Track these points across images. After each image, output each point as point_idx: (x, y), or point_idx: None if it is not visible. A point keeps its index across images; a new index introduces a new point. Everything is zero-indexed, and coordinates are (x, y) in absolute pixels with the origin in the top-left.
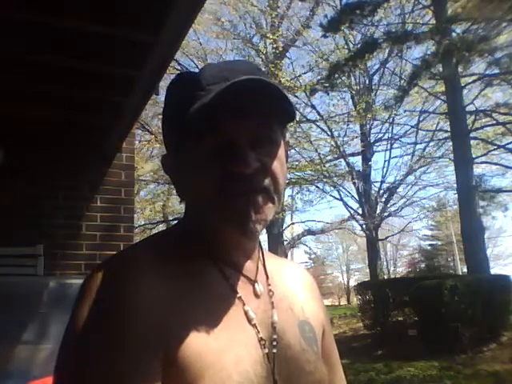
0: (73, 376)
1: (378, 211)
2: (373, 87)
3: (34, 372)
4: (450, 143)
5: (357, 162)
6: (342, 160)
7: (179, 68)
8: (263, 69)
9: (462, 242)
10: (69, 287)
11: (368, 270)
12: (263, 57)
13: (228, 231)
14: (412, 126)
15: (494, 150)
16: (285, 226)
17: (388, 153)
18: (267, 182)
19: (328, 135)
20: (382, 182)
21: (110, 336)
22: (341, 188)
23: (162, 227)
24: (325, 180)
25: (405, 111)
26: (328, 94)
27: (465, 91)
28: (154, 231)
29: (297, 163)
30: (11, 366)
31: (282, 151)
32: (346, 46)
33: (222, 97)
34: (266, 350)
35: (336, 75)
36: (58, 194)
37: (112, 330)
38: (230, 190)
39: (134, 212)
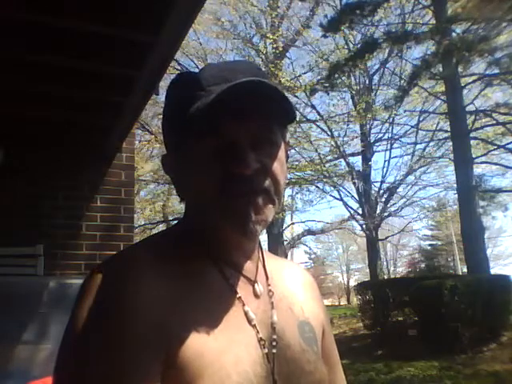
0: (73, 376)
1: (378, 211)
2: (373, 87)
3: (33, 372)
4: (450, 143)
5: (357, 162)
6: (342, 160)
7: (179, 68)
8: (263, 69)
9: (462, 241)
10: (69, 287)
11: (368, 270)
12: (263, 57)
13: (228, 231)
14: (412, 126)
15: (494, 150)
16: (285, 225)
17: (388, 153)
18: (267, 183)
19: (328, 135)
20: (382, 182)
21: (110, 336)
22: (341, 188)
23: (162, 227)
24: (325, 180)
25: (405, 111)
26: (328, 94)
27: (465, 91)
28: (154, 231)
29: (297, 163)
30: (11, 366)
31: (282, 152)
32: (346, 46)
33: (222, 98)
34: (266, 351)
35: (336, 75)
36: (57, 194)
37: (112, 330)
38: (231, 191)
39: (134, 212)
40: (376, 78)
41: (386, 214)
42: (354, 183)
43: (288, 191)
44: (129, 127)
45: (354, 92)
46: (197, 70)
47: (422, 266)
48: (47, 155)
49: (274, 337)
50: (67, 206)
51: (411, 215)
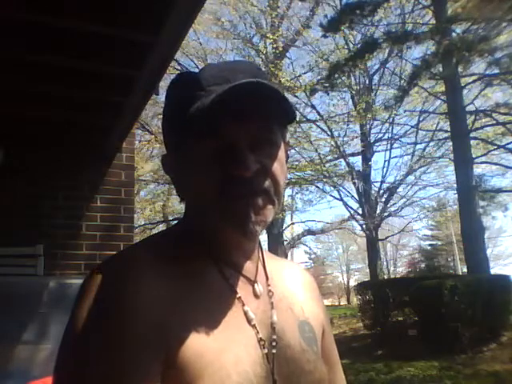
0: (72, 376)
1: (378, 211)
2: (373, 87)
3: (34, 372)
4: (450, 143)
5: (357, 162)
6: (342, 160)
7: (179, 68)
8: (263, 69)
9: (462, 241)
10: (69, 287)
11: (368, 270)
12: (263, 57)
13: (228, 231)
14: (412, 126)
15: (494, 149)
16: (285, 225)
17: (388, 153)
18: (267, 183)
19: (328, 135)
20: (382, 182)
21: (110, 336)
22: (341, 188)
23: (162, 227)
24: (325, 180)
25: (405, 111)
26: (328, 94)
27: (465, 91)
28: (154, 231)
29: (297, 163)
30: (11, 366)
31: (282, 152)
32: (346, 46)
33: (222, 99)
34: (266, 351)
35: (336, 75)
36: (57, 194)
37: (112, 330)
38: (231, 193)
39: (134, 212)
40: (376, 78)
41: (386, 214)
42: (354, 183)
43: (288, 191)
44: (129, 127)
45: (353, 92)
46: (197, 70)
47: (422, 266)
48: (47, 155)
49: (274, 337)
50: (67, 206)
51: (411, 215)
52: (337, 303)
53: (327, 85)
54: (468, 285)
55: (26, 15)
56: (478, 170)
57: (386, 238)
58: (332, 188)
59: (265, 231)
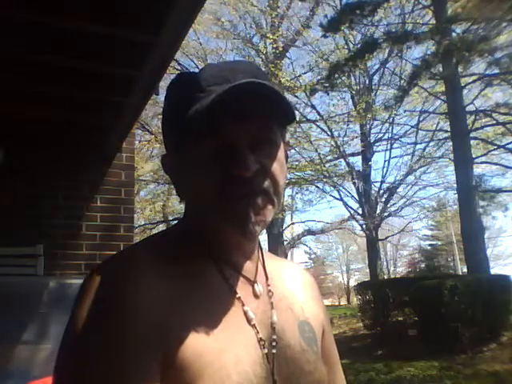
0: (72, 376)
1: (378, 211)
2: (373, 87)
3: (34, 372)
4: (450, 143)
5: (357, 162)
6: (342, 160)
7: (179, 68)
8: (263, 69)
9: (462, 241)
10: (69, 287)
11: (368, 270)
12: (263, 57)
13: (228, 232)
14: (412, 126)
15: (494, 149)
16: (285, 225)
17: (388, 153)
18: (267, 183)
19: (328, 135)
20: (382, 182)
21: (110, 336)
22: (341, 188)
23: (162, 227)
24: (325, 180)
25: (405, 111)
26: (328, 94)
27: (465, 91)
28: (154, 231)
29: (297, 163)
30: (11, 366)
31: (281, 153)
32: (346, 46)
33: (221, 99)
34: (266, 351)
35: (336, 75)
36: (57, 194)
37: (112, 330)
38: (231, 193)
39: (134, 212)
40: (376, 78)
41: (386, 214)
42: (354, 183)
43: (288, 191)
44: (129, 127)
45: (354, 92)
46: (197, 70)
47: (422, 266)
48: (47, 155)
49: (274, 337)
50: (67, 205)
51: (411, 215)
52: (337, 303)
53: (327, 85)
54: (468, 285)
55: (26, 15)
56: (478, 169)
57: (386, 237)
58: (332, 188)
59: (265, 231)
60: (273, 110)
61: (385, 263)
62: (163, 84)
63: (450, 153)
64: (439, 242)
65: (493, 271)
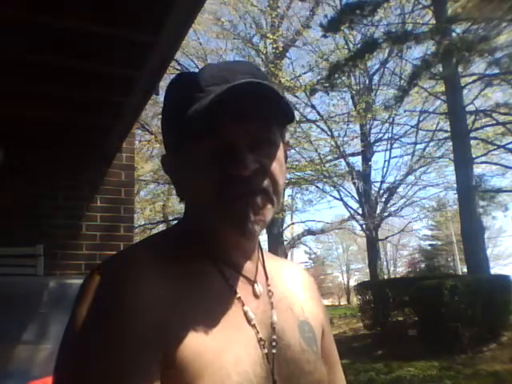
0: (72, 376)
1: (378, 211)
2: (373, 87)
3: (34, 372)
4: (450, 143)
5: (357, 162)
6: (342, 160)
7: (179, 68)
8: (263, 69)
9: (462, 241)
10: (69, 287)
11: (368, 270)
12: (263, 57)
13: (227, 231)
14: (412, 126)
15: (494, 150)
16: (285, 225)
17: (388, 153)
18: (266, 183)
19: (328, 135)
20: (382, 182)
21: (110, 336)
22: (341, 188)
23: (162, 227)
24: (325, 180)
25: (405, 111)
26: (328, 94)
27: (465, 91)
28: (154, 231)
29: (297, 163)
30: (11, 366)
31: (280, 152)
32: (346, 46)
33: (220, 99)
34: (266, 351)
35: (336, 75)
36: (57, 194)
37: (112, 329)
38: (229, 193)
39: (134, 212)
40: (376, 77)
41: (386, 214)
42: (354, 183)
43: (288, 191)
44: (129, 127)
45: (354, 92)
46: (197, 70)
47: (422, 266)
48: (47, 155)
49: (274, 337)
50: (67, 205)
51: (411, 215)
52: (337, 303)
53: (327, 85)
54: (468, 285)
55: (26, 15)
56: (478, 169)
57: (386, 237)
58: (332, 188)
59: (265, 231)
60: (272, 110)
61: (385, 263)
62: (163, 84)
63: (450, 153)
64: (439, 242)
65: (493, 271)
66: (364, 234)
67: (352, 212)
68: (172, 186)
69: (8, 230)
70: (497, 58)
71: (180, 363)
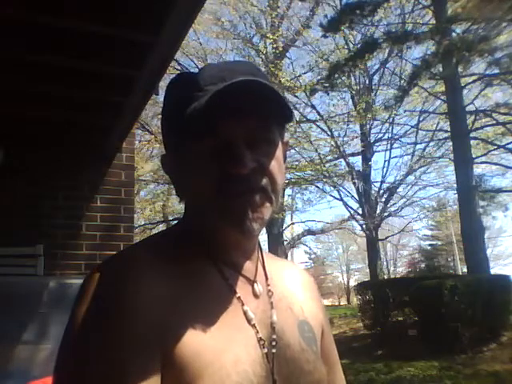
0: (72, 376)
1: (378, 211)
2: (373, 87)
3: (34, 372)
4: (450, 143)
5: (357, 162)
6: (342, 160)
7: (179, 68)
8: (263, 69)
9: (462, 241)
10: (69, 287)
11: (368, 270)
12: (263, 57)
13: (227, 231)
14: (412, 126)
15: (494, 150)
16: (285, 225)
17: (388, 153)
18: (265, 181)
19: (328, 135)
20: (382, 182)
21: (110, 336)
22: (341, 188)
23: (162, 227)
24: (325, 180)
25: (405, 111)
26: (328, 94)
27: (465, 91)
28: (154, 231)
29: (297, 163)
30: (11, 366)
31: (279, 151)
32: (346, 46)
33: (218, 97)
34: (266, 350)
35: (336, 75)
36: (57, 194)
37: (112, 329)
38: (228, 192)
39: (134, 212)
40: (376, 78)
41: (386, 214)
42: (354, 183)
43: (288, 191)
44: (129, 127)
45: (354, 92)
46: (197, 70)
47: (422, 266)
48: (47, 155)
49: (274, 336)
50: (67, 205)
51: (411, 215)
52: (337, 303)
53: (327, 85)
54: (468, 285)
55: (26, 15)
56: (478, 169)
57: (386, 237)
58: (332, 188)
59: (265, 231)
60: (271, 109)
61: (385, 263)
62: (163, 84)
63: (450, 153)
64: (439, 242)
65: (493, 271)
66: (364, 234)
67: (352, 212)
68: (172, 186)
69: (8, 230)
70: (497, 58)
71: (180, 363)
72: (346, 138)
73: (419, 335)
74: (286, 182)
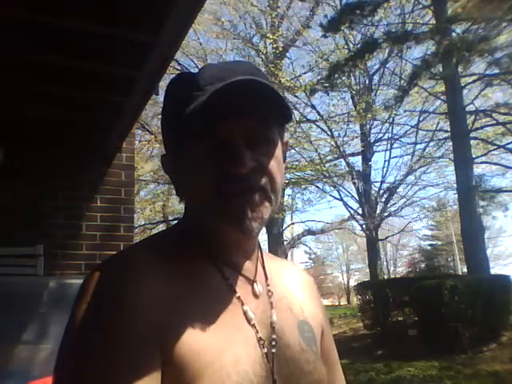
0: (72, 375)
1: (378, 211)
2: (373, 87)
3: (34, 372)
4: (450, 143)
5: (357, 162)
6: (342, 160)
7: (179, 68)
8: (263, 69)
9: (462, 241)
10: (69, 287)
11: (368, 270)
12: (263, 57)
13: (226, 230)
14: (412, 126)
15: (494, 150)
16: (285, 225)
17: (388, 153)
18: (264, 181)
19: (328, 135)
20: (382, 182)
21: (110, 336)
22: (341, 188)
23: (162, 227)
24: (325, 180)
25: (405, 111)
26: (328, 94)
27: (465, 91)
28: (154, 231)
29: (297, 163)
30: (11, 366)
31: (279, 151)
32: (346, 46)
33: (217, 97)
34: (265, 350)
35: (336, 75)
36: (57, 194)
37: (112, 329)
38: (227, 191)
39: (134, 212)
40: (376, 77)
41: (386, 214)
42: (354, 183)
43: (288, 191)
44: (129, 127)
45: (354, 92)
46: (197, 70)
47: (422, 266)
48: (47, 155)
49: (274, 336)
50: (67, 205)
51: (411, 215)
52: (337, 303)
53: (327, 85)
54: (468, 285)
55: (26, 15)
56: (478, 169)
57: (386, 237)
58: (332, 188)
59: (265, 231)
60: (269, 108)
61: (385, 263)
62: (163, 84)
63: (450, 153)
64: (439, 242)
65: (493, 271)
66: (364, 234)
67: (352, 212)
68: (172, 186)
69: (8, 230)
70: (497, 58)
71: (180, 363)
72: (346, 138)
73: (419, 335)
74: (286, 182)
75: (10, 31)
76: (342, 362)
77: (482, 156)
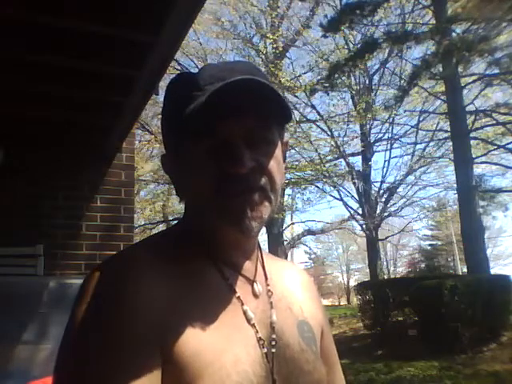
0: (72, 375)
1: (378, 211)
2: (373, 87)
3: (34, 372)
4: (450, 143)
5: (357, 162)
6: (342, 160)
7: (179, 68)
8: (263, 69)
9: (462, 241)
10: (69, 287)
11: (368, 270)
12: (263, 57)
13: (226, 230)
14: (412, 126)
15: (494, 150)
16: (285, 225)
17: (388, 153)
18: (264, 180)
19: (328, 135)
20: (382, 182)
21: (110, 335)
22: (341, 188)
23: (162, 227)
24: (325, 180)
25: (405, 111)
26: (328, 94)
27: (465, 91)
28: (154, 231)
29: (297, 163)
30: (11, 366)
31: (278, 151)
32: (346, 46)
33: (217, 96)
34: (265, 350)
35: (336, 75)
36: (57, 194)
37: (112, 329)
38: (227, 191)
39: (134, 212)
40: (376, 78)
41: (386, 214)
42: (354, 183)
43: (288, 191)
44: (129, 127)
45: (354, 92)
46: (197, 70)
47: (422, 266)
48: (47, 155)
49: (273, 336)
50: (67, 206)
51: (411, 215)
52: (337, 303)
53: (327, 85)
54: (468, 285)
55: (26, 15)
56: (478, 169)
57: (386, 237)
58: (332, 188)
59: (265, 231)
60: (269, 108)
61: (385, 263)
62: (163, 84)
63: (450, 153)
64: (439, 242)
65: (493, 271)
66: (364, 234)
67: (352, 212)
68: (172, 186)
69: (8, 230)
70: (497, 58)
71: (180, 363)
72: (346, 138)
73: (419, 335)
74: (286, 182)
75: (10, 31)
76: (342, 362)
77: (482, 156)
